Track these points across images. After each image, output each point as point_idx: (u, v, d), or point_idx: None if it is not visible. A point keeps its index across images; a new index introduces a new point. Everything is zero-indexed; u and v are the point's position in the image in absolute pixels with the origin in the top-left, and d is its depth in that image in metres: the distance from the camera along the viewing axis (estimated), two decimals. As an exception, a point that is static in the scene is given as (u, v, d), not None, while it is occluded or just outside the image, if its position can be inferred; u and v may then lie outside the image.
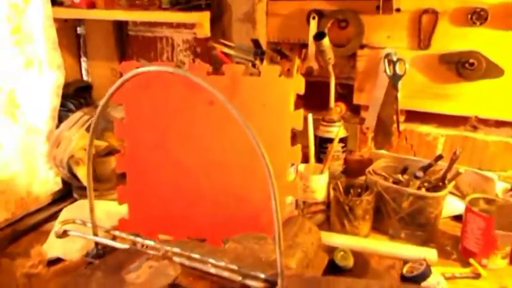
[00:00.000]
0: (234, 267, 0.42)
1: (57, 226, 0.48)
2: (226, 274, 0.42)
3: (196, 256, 0.43)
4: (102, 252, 0.49)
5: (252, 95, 0.77)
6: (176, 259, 0.45)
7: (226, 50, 1.00)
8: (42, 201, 1.09)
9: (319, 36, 1.01)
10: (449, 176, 0.88)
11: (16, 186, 1.04)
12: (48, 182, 1.11)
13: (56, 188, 1.12)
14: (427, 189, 0.89)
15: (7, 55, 0.99)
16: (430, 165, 0.93)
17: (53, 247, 0.86)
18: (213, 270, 0.42)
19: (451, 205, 0.94)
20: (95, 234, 0.49)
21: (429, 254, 0.79)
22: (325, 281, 0.40)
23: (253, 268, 0.43)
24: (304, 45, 1.18)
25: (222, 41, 1.04)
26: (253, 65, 1.02)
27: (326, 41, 1.00)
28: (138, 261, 0.44)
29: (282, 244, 0.38)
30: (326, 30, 1.13)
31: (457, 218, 0.92)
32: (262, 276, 0.41)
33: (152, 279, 0.40)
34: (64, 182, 1.13)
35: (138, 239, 0.47)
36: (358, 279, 0.42)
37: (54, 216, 1.01)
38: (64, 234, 0.50)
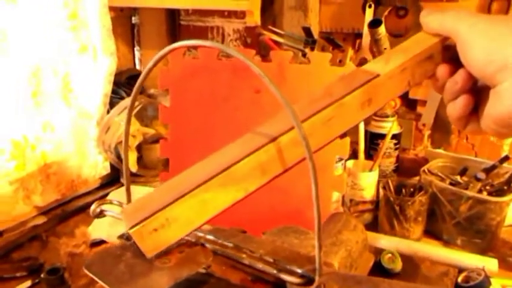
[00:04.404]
0: (270, 259, 0.39)
1: (94, 206, 0.48)
2: (260, 266, 0.39)
3: (230, 245, 0.41)
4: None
5: (300, 83, 0.74)
6: (209, 246, 0.43)
7: (275, 37, 0.97)
8: (91, 184, 1.12)
9: (374, 23, 0.95)
10: (515, 179, 0.81)
11: (67, 169, 1.07)
12: (97, 166, 1.13)
13: (104, 172, 1.15)
14: (489, 193, 0.82)
15: (63, 40, 1.02)
16: (494, 167, 0.86)
17: (98, 229, 0.88)
18: (246, 261, 0.40)
19: (517, 212, 0.86)
20: (130, 216, 0.48)
21: (489, 263, 0.73)
22: (366, 280, 0.36)
23: (289, 262, 0.40)
24: (359, 35, 1.12)
25: (271, 28, 1.01)
26: (304, 55, 0.98)
27: (382, 29, 0.94)
28: (169, 245, 0.42)
29: (322, 237, 0.34)
30: (383, 19, 1.07)
31: (523, 226, 0.84)
32: (299, 271, 0.38)
33: (182, 264, 0.38)
34: (112, 167, 1.15)
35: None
36: (404, 283, 0.38)
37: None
38: (101, 214, 0.49)
